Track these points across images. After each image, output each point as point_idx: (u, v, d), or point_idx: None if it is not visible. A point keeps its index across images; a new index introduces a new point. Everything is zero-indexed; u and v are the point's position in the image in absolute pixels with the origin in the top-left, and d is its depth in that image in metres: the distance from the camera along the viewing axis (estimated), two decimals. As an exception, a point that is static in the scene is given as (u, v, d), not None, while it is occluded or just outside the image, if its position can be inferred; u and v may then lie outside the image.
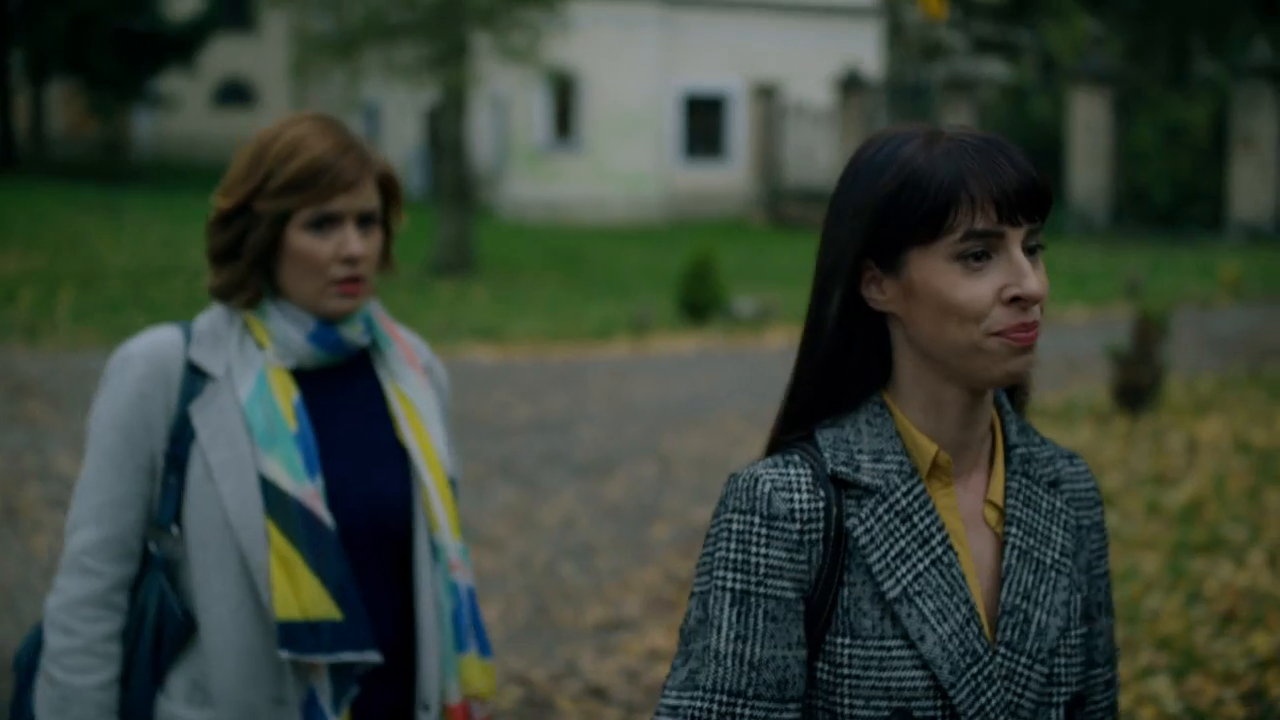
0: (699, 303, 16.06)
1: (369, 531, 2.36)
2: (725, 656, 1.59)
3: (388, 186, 2.39)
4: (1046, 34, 37.21)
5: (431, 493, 2.39)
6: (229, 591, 2.26)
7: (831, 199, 1.68)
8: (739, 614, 1.60)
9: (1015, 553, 1.65)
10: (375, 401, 2.43)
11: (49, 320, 15.10)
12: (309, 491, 2.26)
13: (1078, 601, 1.69)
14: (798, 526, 1.60)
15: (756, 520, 1.60)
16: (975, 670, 1.60)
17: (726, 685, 1.59)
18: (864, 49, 35.01)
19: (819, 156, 33.25)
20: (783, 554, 1.60)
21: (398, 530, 2.39)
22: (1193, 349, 12.52)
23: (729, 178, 34.36)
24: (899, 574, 1.60)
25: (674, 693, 1.61)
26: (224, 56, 40.79)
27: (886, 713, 1.59)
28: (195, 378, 2.31)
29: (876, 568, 1.60)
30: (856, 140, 32.12)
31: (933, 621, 1.59)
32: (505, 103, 30.96)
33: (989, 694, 1.60)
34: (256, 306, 2.34)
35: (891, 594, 1.59)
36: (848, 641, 1.60)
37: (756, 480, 1.62)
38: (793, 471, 1.63)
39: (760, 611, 1.60)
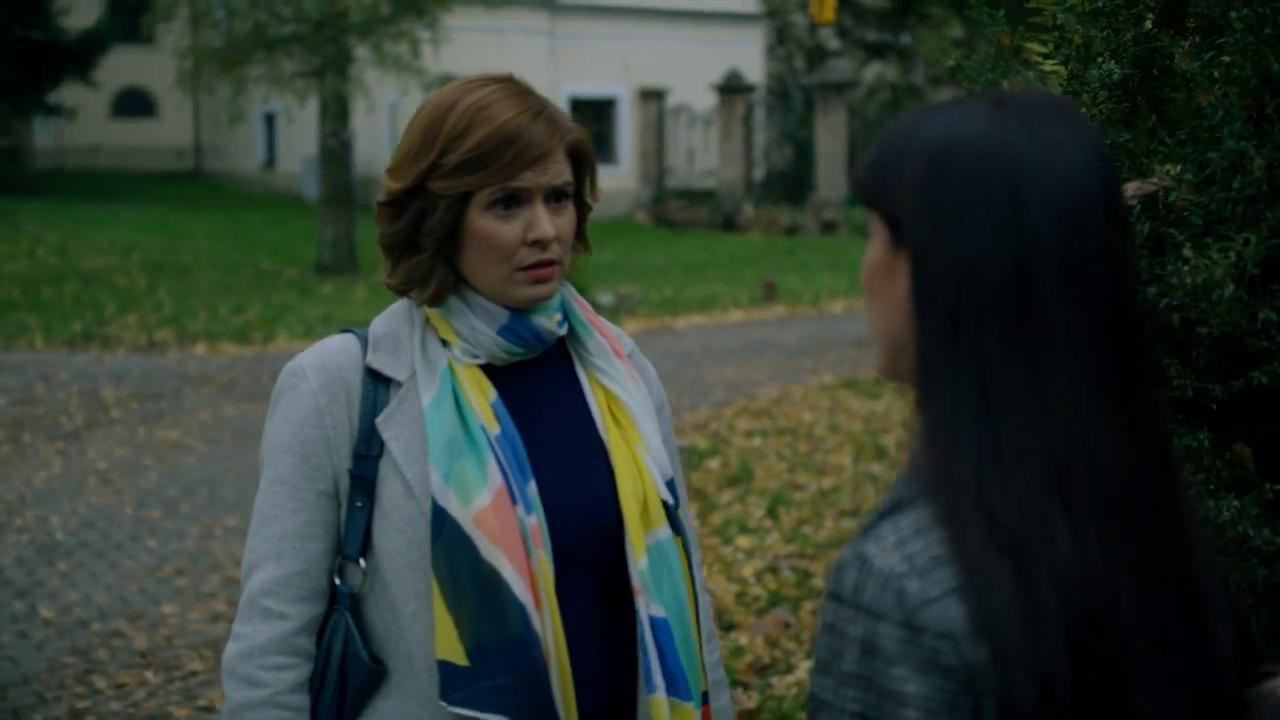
0: (558, 295, 17.21)
1: (586, 545, 2.01)
2: None
3: (581, 156, 2.03)
4: (920, 39, 38.83)
5: (626, 503, 2.02)
6: None
7: None
8: None
9: None
10: (575, 398, 2.09)
11: (-57, 321, 15.80)
12: (503, 511, 1.93)
13: None
14: None
15: None
16: None
17: None
18: (749, 54, 36.33)
19: (701, 159, 34.55)
20: None
21: (611, 543, 2.03)
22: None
23: (617, 180, 35.46)
24: None
25: None
26: (122, 67, 41.32)
27: None
28: (378, 385, 1.99)
29: None
30: (736, 142, 33.49)
31: None
32: (395, 110, 31.87)
33: None
34: (443, 303, 2.01)
35: None
36: None
37: None
38: None
39: None
